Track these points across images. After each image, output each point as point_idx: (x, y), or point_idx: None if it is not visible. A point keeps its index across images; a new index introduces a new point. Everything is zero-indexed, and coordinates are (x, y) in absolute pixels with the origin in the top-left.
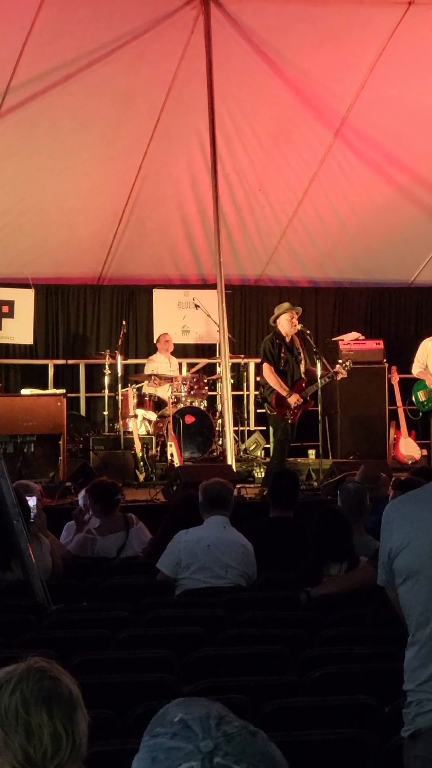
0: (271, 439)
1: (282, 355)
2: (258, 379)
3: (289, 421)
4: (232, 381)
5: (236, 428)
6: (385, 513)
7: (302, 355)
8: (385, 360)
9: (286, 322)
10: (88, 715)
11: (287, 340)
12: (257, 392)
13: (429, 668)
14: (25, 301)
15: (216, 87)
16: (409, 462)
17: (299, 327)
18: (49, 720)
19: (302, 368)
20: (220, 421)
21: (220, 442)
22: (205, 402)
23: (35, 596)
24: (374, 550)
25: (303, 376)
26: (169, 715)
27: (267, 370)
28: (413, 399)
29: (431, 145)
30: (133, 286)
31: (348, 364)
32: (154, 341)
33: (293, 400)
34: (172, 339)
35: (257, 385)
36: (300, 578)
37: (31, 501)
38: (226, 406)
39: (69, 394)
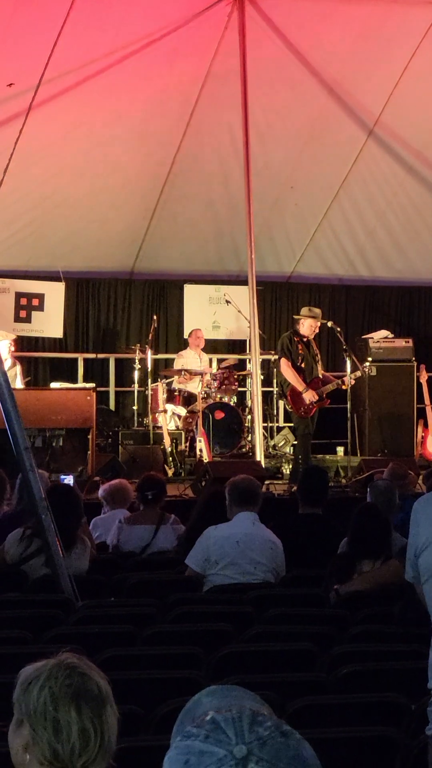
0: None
1: (300, 351)
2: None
3: (303, 416)
4: (262, 377)
5: (265, 424)
6: (413, 510)
7: (319, 356)
8: (414, 358)
9: (309, 327)
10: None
11: (305, 339)
12: (277, 389)
13: None
14: (55, 294)
15: (249, 84)
16: None
17: (321, 326)
18: (77, 717)
19: (319, 368)
20: (249, 417)
21: (249, 438)
22: (235, 398)
23: (63, 591)
24: (400, 547)
25: (320, 375)
26: (200, 710)
27: (284, 365)
28: None
29: None
30: (164, 281)
31: (359, 374)
32: (185, 336)
33: (309, 396)
34: (203, 335)
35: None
36: (330, 574)
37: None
38: (256, 402)
39: (98, 389)
